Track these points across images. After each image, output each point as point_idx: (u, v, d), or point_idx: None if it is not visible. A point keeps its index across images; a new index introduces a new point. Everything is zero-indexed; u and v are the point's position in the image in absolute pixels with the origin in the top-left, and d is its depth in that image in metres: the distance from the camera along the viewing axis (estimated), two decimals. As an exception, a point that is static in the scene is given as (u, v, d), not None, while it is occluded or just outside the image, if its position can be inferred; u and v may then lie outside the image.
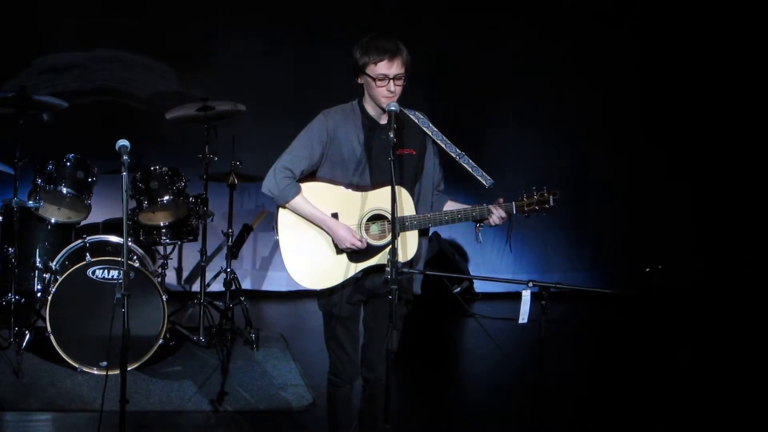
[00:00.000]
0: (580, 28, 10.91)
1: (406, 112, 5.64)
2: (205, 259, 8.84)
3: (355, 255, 5.58)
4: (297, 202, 5.55)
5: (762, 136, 11.25)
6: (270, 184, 5.56)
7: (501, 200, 5.60)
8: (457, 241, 10.98)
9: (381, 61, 5.44)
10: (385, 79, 5.46)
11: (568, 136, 11.13)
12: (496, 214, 5.56)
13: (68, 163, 8.29)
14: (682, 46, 11.08)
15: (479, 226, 5.65)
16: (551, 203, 5.58)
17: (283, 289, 10.45)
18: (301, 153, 5.58)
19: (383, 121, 5.58)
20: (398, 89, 5.49)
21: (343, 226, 5.54)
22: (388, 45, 5.46)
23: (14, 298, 8.12)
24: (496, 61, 10.87)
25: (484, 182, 5.60)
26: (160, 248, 8.86)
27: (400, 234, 5.48)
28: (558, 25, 10.87)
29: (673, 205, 11.22)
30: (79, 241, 8.08)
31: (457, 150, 5.62)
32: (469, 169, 5.60)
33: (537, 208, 5.58)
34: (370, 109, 5.61)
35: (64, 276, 7.73)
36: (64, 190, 8.23)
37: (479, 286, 10.92)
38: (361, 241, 5.53)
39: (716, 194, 11.24)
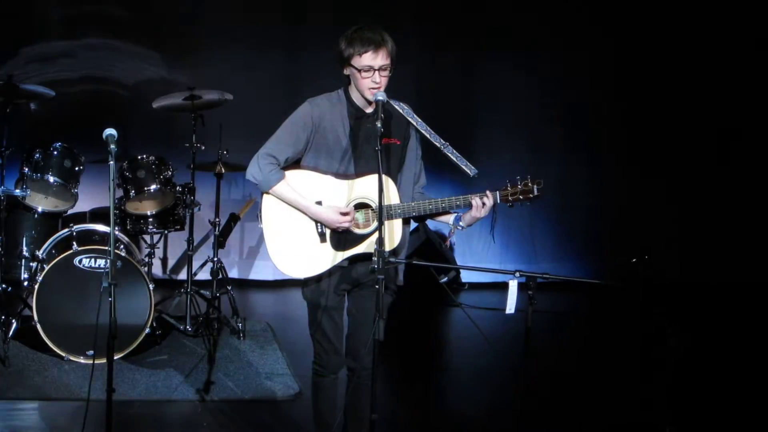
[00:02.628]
0: (569, 23, 10.92)
1: (391, 102, 5.64)
2: (192, 248, 8.84)
3: (339, 243, 5.58)
4: (281, 187, 5.55)
5: (748, 132, 11.28)
6: (253, 170, 5.56)
7: (487, 192, 5.59)
8: (444, 231, 10.99)
9: (366, 52, 5.44)
10: (370, 71, 5.45)
11: (555, 127, 11.13)
12: (481, 200, 5.54)
13: (55, 152, 8.27)
14: (669, 43, 11.09)
15: (453, 230, 5.66)
16: (535, 192, 5.56)
17: (270, 278, 10.45)
18: (286, 140, 5.58)
19: (369, 110, 5.58)
20: (384, 80, 5.49)
21: (326, 209, 5.53)
22: (374, 36, 5.46)
23: (1, 286, 8.10)
24: (485, 53, 10.88)
25: (468, 172, 5.59)
26: (147, 237, 8.86)
27: (386, 223, 5.48)
28: (548, 21, 10.87)
29: (660, 196, 11.24)
30: (66, 230, 8.07)
31: (442, 140, 5.61)
32: (454, 159, 5.59)
33: (521, 197, 5.57)
34: (356, 98, 5.61)
35: (50, 265, 7.73)
36: (51, 179, 8.22)
37: (466, 276, 10.93)
38: (348, 214, 5.52)
39: (703, 185, 11.26)
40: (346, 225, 5.53)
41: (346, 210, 5.54)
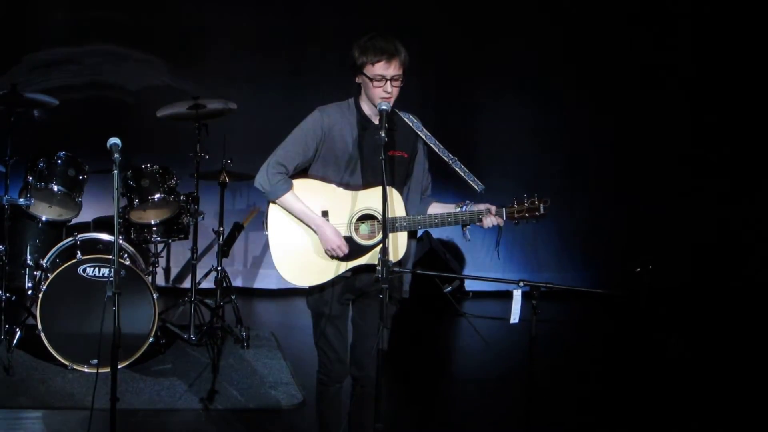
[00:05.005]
0: (571, 28, 10.94)
1: (401, 114, 5.65)
2: (196, 257, 8.84)
3: (344, 254, 5.58)
4: (288, 198, 5.55)
5: (753, 135, 11.30)
6: (262, 179, 5.57)
7: (493, 208, 5.58)
8: (448, 240, 10.99)
9: (379, 61, 5.44)
10: (382, 80, 5.45)
11: (558, 136, 11.14)
12: (490, 220, 5.55)
13: (59, 161, 8.28)
14: (667, 56, 11.13)
15: (466, 226, 5.64)
16: (542, 211, 5.57)
17: (274, 287, 10.45)
18: (295, 148, 5.58)
19: (377, 120, 5.57)
20: (395, 90, 5.49)
21: (331, 227, 5.54)
22: (387, 46, 5.46)
23: (5, 295, 8.11)
24: (487, 65, 10.89)
25: (475, 187, 5.60)
26: (151, 246, 8.86)
27: (391, 234, 5.48)
28: (555, 23, 10.90)
29: (663, 205, 11.24)
30: (70, 238, 8.07)
31: (450, 154, 5.62)
32: (462, 174, 5.60)
33: (527, 215, 5.57)
34: (366, 108, 5.61)
35: (54, 274, 7.73)
36: (55, 188, 8.22)
37: (470, 285, 10.93)
38: (341, 248, 5.53)
39: (706, 194, 11.27)
40: (339, 252, 5.53)
41: (344, 243, 5.53)
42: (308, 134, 5.59)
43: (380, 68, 5.45)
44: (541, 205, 5.56)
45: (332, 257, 5.58)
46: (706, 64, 11.18)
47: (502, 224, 5.59)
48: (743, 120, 11.25)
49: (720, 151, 11.26)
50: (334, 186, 5.58)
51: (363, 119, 5.62)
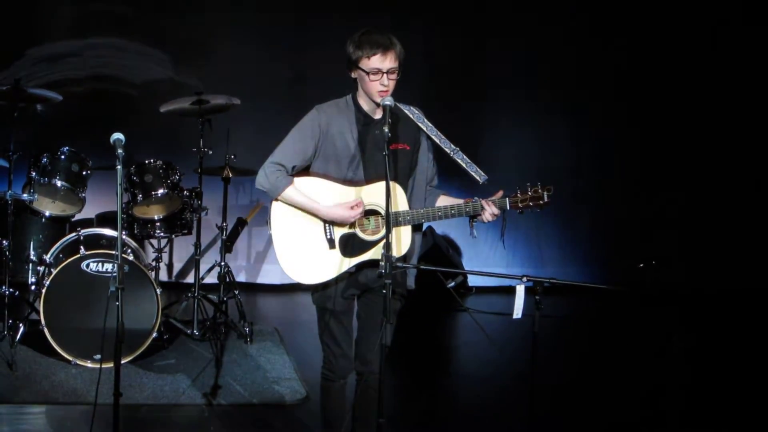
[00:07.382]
0: (576, 26, 10.93)
1: (401, 106, 5.64)
2: (200, 252, 8.84)
3: (348, 249, 5.57)
4: (289, 192, 5.54)
5: (755, 135, 11.28)
6: (261, 178, 5.57)
7: (494, 200, 5.57)
8: (451, 235, 10.99)
9: (374, 55, 5.44)
10: (378, 74, 5.45)
11: (562, 131, 11.14)
12: (489, 211, 5.54)
13: (63, 156, 8.28)
14: (678, 49, 11.11)
15: (473, 222, 5.63)
16: (545, 199, 5.56)
17: (277, 282, 10.45)
18: (294, 148, 5.57)
19: (377, 115, 5.58)
20: (392, 83, 5.48)
21: (335, 207, 5.52)
22: (381, 39, 5.46)
23: (8, 290, 8.11)
24: (492, 56, 10.88)
25: (478, 178, 5.59)
26: (154, 241, 8.86)
27: (394, 229, 5.47)
28: (554, 22, 10.88)
29: (666, 200, 11.23)
30: (74, 234, 8.08)
31: (452, 145, 5.61)
32: (464, 165, 5.59)
33: (531, 204, 5.56)
34: (364, 103, 5.60)
35: (58, 269, 7.73)
36: (59, 183, 8.23)
37: (473, 280, 10.92)
38: (358, 206, 5.51)
39: (710, 189, 11.26)
40: (359, 213, 5.51)
41: (354, 203, 5.52)
42: (306, 133, 5.58)
43: (376, 61, 5.44)
44: (545, 192, 5.55)
45: (342, 251, 5.56)
46: (709, 65, 11.17)
47: (499, 214, 5.57)
48: (747, 121, 11.24)
49: (723, 149, 11.25)
50: (336, 183, 5.57)
51: (362, 115, 5.61)
